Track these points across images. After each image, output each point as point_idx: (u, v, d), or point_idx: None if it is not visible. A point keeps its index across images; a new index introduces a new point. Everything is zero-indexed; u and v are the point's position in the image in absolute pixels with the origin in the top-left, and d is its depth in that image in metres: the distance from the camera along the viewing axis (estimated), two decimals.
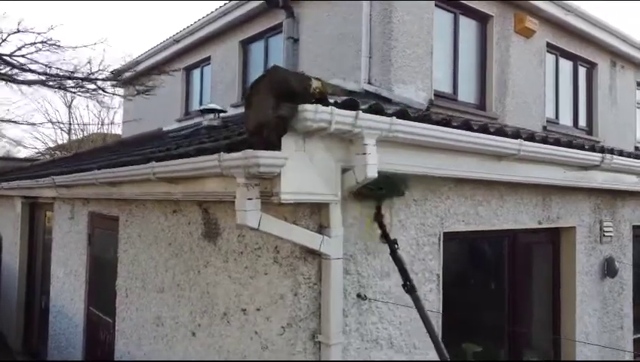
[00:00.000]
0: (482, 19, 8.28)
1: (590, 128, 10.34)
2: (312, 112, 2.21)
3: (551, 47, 9.45)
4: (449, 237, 3.46)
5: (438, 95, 7.21)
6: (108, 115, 25.97)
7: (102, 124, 25.15)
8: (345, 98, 2.46)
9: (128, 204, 4.71)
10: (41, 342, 7.55)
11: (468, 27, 8.22)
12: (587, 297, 4.68)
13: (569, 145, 3.82)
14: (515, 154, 3.30)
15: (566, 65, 10.08)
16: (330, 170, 2.50)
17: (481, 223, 3.68)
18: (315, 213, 2.69)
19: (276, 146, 2.25)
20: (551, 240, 4.63)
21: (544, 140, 3.61)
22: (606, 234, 4.86)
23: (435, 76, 7.46)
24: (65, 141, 24.94)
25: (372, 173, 2.47)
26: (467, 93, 8.01)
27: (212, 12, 10.13)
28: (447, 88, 7.69)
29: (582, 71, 10.47)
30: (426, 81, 7.22)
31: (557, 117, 9.69)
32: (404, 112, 2.65)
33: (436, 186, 3.35)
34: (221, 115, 6.08)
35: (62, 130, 25.26)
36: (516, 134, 3.38)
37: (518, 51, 8.78)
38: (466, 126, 3.02)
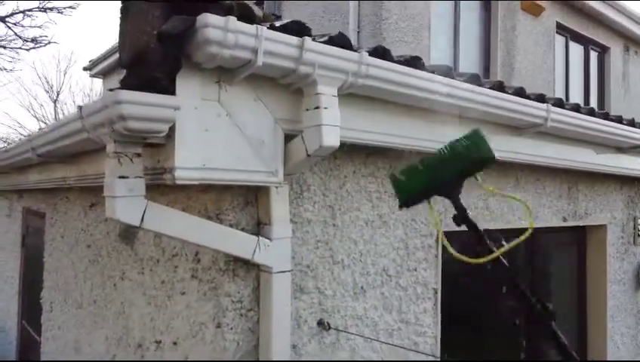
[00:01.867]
0: None
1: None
2: (219, 29, 1.31)
3: (561, 28, 8.58)
4: (449, 239, 2.55)
5: None
6: None
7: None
8: (289, 20, 1.56)
9: (54, 197, 3.81)
10: None
11: (470, 2, 7.33)
12: (619, 311, 3.78)
13: (605, 117, 2.92)
14: (540, 124, 2.41)
15: (576, 48, 9.22)
16: (265, 133, 1.59)
17: (493, 220, 2.78)
18: (250, 204, 1.79)
19: (166, 89, 1.35)
20: (575, 241, 3.73)
21: (576, 109, 2.71)
22: None
23: (434, 55, 6.58)
24: None
25: (331, 140, 1.57)
26: None
27: None
28: None
29: (593, 55, 9.61)
30: (424, 59, 6.34)
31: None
32: (382, 49, 1.75)
33: None
34: None
35: (47, 125, 24.37)
36: (541, 98, 2.48)
37: (526, 31, 7.89)
38: (475, 80, 2.13)
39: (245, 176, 1.55)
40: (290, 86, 1.62)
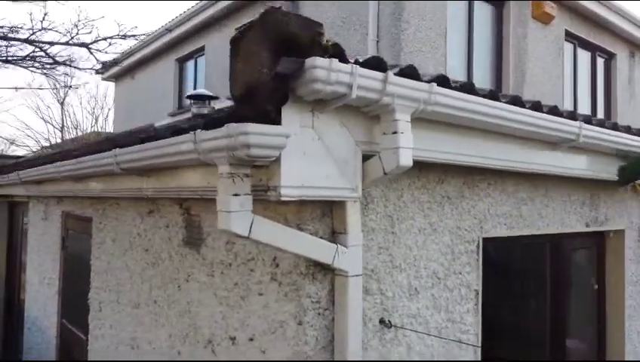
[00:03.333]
0: (498, 3, 7.62)
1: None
2: (325, 70, 1.54)
3: (569, 36, 8.82)
4: (488, 244, 2.79)
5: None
6: (102, 113, 25.19)
7: (96, 121, 24.49)
8: (368, 57, 1.79)
9: (101, 203, 4.03)
10: (19, 355, 6.86)
11: (483, 11, 7.57)
12: (637, 311, 4.01)
13: (628, 130, 3.15)
14: (573, 140, 2.64)
15: (584, 55, 9.46)
16: (348, 154, 1.82)
17: (525, 226, 3.01)
18: (326, 215, 2.01)
19: (274, 120, 1.58)
20: (595, 244, 3.96)
21: (601, 124, 2.94)
22: None
23: (449, 63, 6.81)
24: (58, 139, 24.24)
25: (406, 161, 1.80)
26: (483, 81, 7.34)
27: None
28: (461, 76, 7.03)
29: (600, 61, 9.85)
30: (440, 67, 6.56)
31: (575, 109, 9.05)
32: (444, 78, 1.98)
33: (473, 180, 2.68)
34: (214, 102, 5.40)
35: (55, 128, 24.59)
36: (572, 115, 2.71)
37: (536, 39, 8.13)
38: (517, 102, 2.36)
39: (333, 192, 1.78)
40: (368, 112, 1.85)
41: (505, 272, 3.24)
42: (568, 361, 3.59)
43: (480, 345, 2.67)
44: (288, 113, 1.64)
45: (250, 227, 1.65)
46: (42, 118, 27.01)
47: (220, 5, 8.93)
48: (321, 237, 1.97)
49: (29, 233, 6.33)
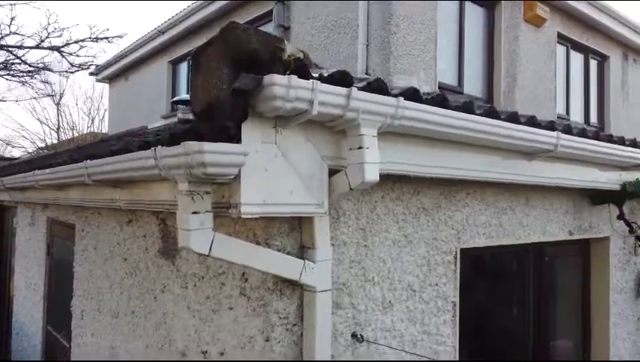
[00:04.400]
0: (489, 6, 7.60)
1: (602, 125, 9.69)
2: (283, 87, 1.52)
3: (562, 38, 8.80)
4: (466, 255, 2.77)
5: (442, 87, 6.50)
6: (98, 114, 25.11)
7: (92, 122, 24.45)
8: (333, 70, 1.76)
9: (84, 211, 4.00)
10: (8, 358, 6.83)
11: (474, 14, 7.54)
12: (621, 319, 3.99)
13: (610, 140, 3.14)
14: (550, 150, 2.62)
15: (577, 57, 9.44)
16: (313, 170, 1.80)
17: (505, 236, 2.99)
18: (294, 230, 1.99)
19: (233, 137, 1.56)
20: (580, 252, 3.94)
21: (582, 134, 2.92)
22: None
23: (440, 67, 6.78)
24: (54, 140, 24.19)
25: (371, 176, 1.78)
26: (473, 85, 7.32)
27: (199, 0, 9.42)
28: (451, 80, 7.00)
29: (593, 64, 9.83)
30: (430, 71, 6.53)
31: (567, 112, 9.04)
32: (414, 92, 1.96)
33: (451, 191, 2.66)
34: None
35: (51, 129, 24.55)
36: (551, 126, 2.69)
37: (528, 42, 8.11)
38: (492, 114, 2.33)
39: (298, 208, 1.76)
40: (334, 127, 1.83)
41: (485, 282, 3.22)
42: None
43: (457, 356, 2.64)
44: (249, 129, 1.61)
45: (211, 245, 1.62)
46: (38, 120, 26.91)
47: (213, 7, 8.89)
48: (289, 253, 1.95)
49: (17, 238, 6.31)
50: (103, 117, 23.70)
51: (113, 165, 2.08)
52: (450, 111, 2.04)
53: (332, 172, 1.88)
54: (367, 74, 6.15)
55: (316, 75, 1.71)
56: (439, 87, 6.41)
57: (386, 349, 2.28)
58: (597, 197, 3.50)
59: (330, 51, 6.73)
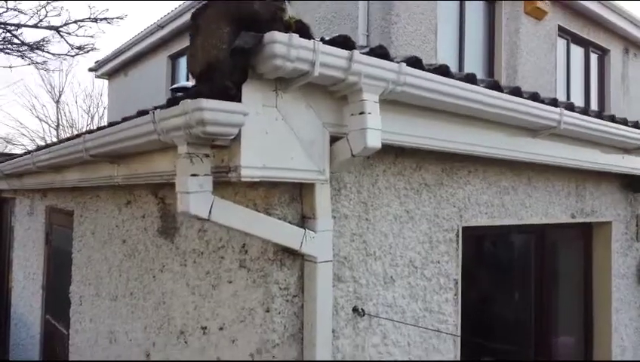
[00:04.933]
0: None
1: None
2: (284, 45, 1.49)
3: (562, 31, 8.79)
4: (469, 234, 2.74)
5: None
6: (98, 111, 25.08)
7: (92, 120, 24.42)
8: (336, 35, 1.74)
9: (82, 196, 3.97)
10: (5, 352, 6.80)
11: (475, 6, 7.52)
12: (623, 304, 3.97)
13: (612, 120, 3.11)
14: (554, 126, 2.59)
15: (577, 50, 9.42)
16: (314, 136, 1.77)
17: (507, 216, 2.96)
18: (295, 200, 1.96)
19: (233, 97, 1.53)
20: (582, 237, 3.92)
21: (584, 112, 2.90)
22: None
23: (440, 58, 6.77)
24: (54, 138, 24.16)
25: (373, 142, 1.75)
26: None
27: None
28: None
29: (594, 57, 9.82)
30: (430, 62, 6.52)
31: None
32: (416, 60, 1.93)
33: (453, 167, 2.63)
34: None
35: (50, 126, 24.52)
36: (554, 102, 2.66)
37: (529, 34, 8.09)
38: (496, 86, 2.31)
39: (298, 174, 1.73)
40: (335, 93, 1.80)
41: (488, 262, 3.19)
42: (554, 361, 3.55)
43: (459, 334, 2.62)
44: (249, 91, 1.59)
45: (211, 209, 1.60)
46: (37, 117, 26.87)
47: None
48: (289, 222, 1.92)
49: (16, 229, 6.28)
50: (103, 114, 23.67)
51: (112, 135, 2.05)
52: (452, 80, 2.01)
53: (334, 139, 1.86)
54: None
55: (317, 39, 1.68)
56: None
57: (387, 324, 2.26)
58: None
59: None
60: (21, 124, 28.68)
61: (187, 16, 9.81)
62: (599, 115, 3.05)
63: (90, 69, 14.46)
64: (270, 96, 1.65)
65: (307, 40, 1.55)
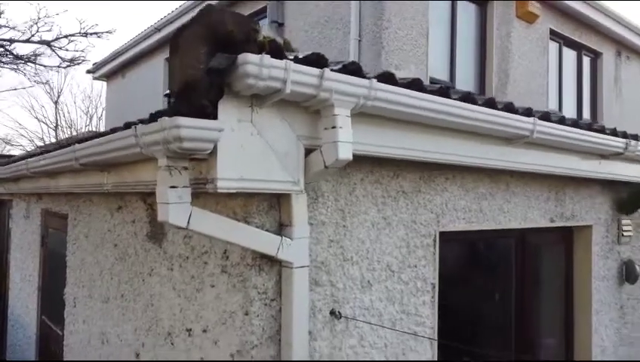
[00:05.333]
0: (482, 2, 7.68)
1: (595, 120, 9.77)
2: (256, 66, 1.59)
3: (554, 35, 8.88)
4: (446, 239, 2.84)
5: (434, 82, 6.58)
6: (97, 112, 25.18)
7: (90, 121, 24.54)
8: (308, 53, 1.84)
9: (76, 200, 4.08)
10: (2, 353, 6.90)
11: (466, 10, 7.62)
12: (603, 306, 4.07)
13: (588, 127, 3.21)
14: (527, 136, 2.69)
15: (570, 54, 9.52)
16: (289, 149, 1.87)
17: (485, 221, 3.06)
18: (273, 208, 2.07)
19: (210, 115, 1.63)
20: (563, 240, 4.02)
21: (561, 121, 3.00)
22: (625, 233, 4.26)
23: (431, 62, 6.86)
24: (53, 139, 24.25)
25: (345, 154, 1.85)
26: (465, 80, 7.40)
27: None
28: (443, 75, 7.08)
29: (586, 60, 9.91)
30: (421, 66, 6.61)
31: (560, 108, 9.12)
32: (389, 75, 2.03)
33: (430, 175, 2.73)
34: None
35: (49, 127, 24.62)
36: (528, 112, 2.76)
37: (520, 38, 8.19)
38: (469, 99, 2.41)
39: (273, 185, 1.83)
40: (309, 108, 1.90)
41: (466, 266, 3.30)
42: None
43: (436, 337, 2.72)
44: (225, 108, 1.69)
45: (189, 218, 1.70)
46: (36, 118, 26.98)
47: (207, 4, 8.96)
48: (267, 230, 2.02)
49: (13, 231, 6.38)
50: (101, 115, 23.77)
51: (99, 147, 2.15)
52: (423, 94, 2.11)
53: (309, 151, 1.96)
54: None
55: (291, 57, 1.78)
56: (431, 82, 6.48)
57: (364, 327, 2.36)
58: None
59: (324, 46, 6.81)
60: (20, 124, 28.79)
61: (184, 20, 9.90)
62: (576, 123, 3.15)
63: (88, 71, 14.56)
64: (246, 112, 1.75)
65: (279, 60, 1.65)
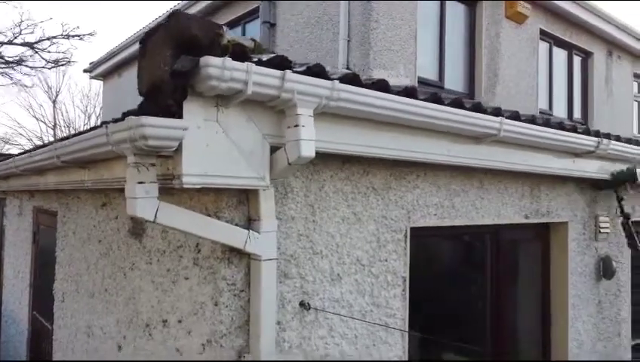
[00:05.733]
0: (470, 3, 7.77)
1: (585, 120, 9.85)
2: (217, 68, 1.69)
3: (544, 35, 8.96)
4: (417, 234, 2.93)
5: (422, 82, 6.66)
6: (95, 111, 25.28)
7: (89, 119, 24.62)
8: (272, 55, 1.93)
9: (65, 197, 4.17)
10: None
11: (455, 11, 7.71)
12: (580, 301, 4.17)
13: (560, 127, 3.30)
14: (494, 134, 2.79)
15: (560, 54, 9.60)
16: (254, 146, 1.97)
17: (458, 217, 3.16)
18: (242, 203, 2.16)
19: (175, 114, 1.72)
20: (539, 236, 4.12)
21: (531, 121, 3.09)
22: (602, 230, 4.35)
23: (420, 62, 6.94)
24: (51, 138, 24.33)
25: (307, 152, 1.94)
26: (454, 80, 7.48)
27: None
28: (432, 75, 7.16)
29: (577, 60, 9.99)
30: (410, 66, 6.70)
31: (550, 108, 9.20)
32: (353, 76, 2.13)
33: (402, 172, 2.82)
34: None
35: (48, 126, 24.70)
36: (497, 112, 2.86)
37: (510, 38, 8.27)
38: (434, 99, 2.50)
39: (238, 180, 1.93)
40: (275, 107, 1.99)
41: (439, 261, 3.39)
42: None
43: (407, 329, 2.81)
44: (191, 107, 1.78)
45: (156, 212, 1.79)
46: (34, 117, 27.07)
47: (199, 6, 9.04)
48: (237, 224, 2.12)
49: (6, 228, 6.47)
50: (100, 114, 23.86)
51: (76, 145, 2.25)
52: (386, 94, 2.21)
53: (274, 149, 2.05)
54: (347, 68, 6.32)
55: (255, 59, 1.88)
56: (419, 82, 6.57)
57: (334, 318, 2.45)
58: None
59: (314, 46, 6.90)
60: (18, 123, 28.87)
61: None
62: (547, 122, 3.25)
63: (85, 70, 14.65)
64: (211, 112, 1.85)
65: (240, 62, 1.75)
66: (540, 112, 8.62)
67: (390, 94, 2.26)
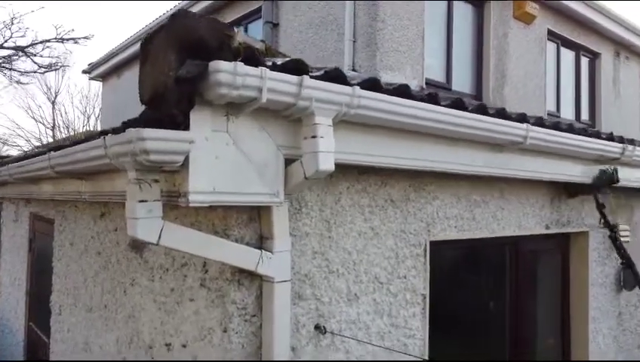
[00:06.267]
0: (478, 3, 7.59)
1: (593, 122, 9.68)
2: (229, 74, 1.50)
3: (552, 35, 8.79)
4: (437, 248, 2.75)
5: (429, 83, 6.48)
6: (94, 112, 25.07)
7: (88, 121, 24.45)
8: (287, 59, 1.75)
9: (62, 205, 3.99)
10: None
11: (463, 11, 7.53)
12: (601, 313, 3.99)
13: (585, 133, 3.12)
14: (520, 142, 2.60)
15: (568, 54, 9.43)
16: (268, 159, 1.78)
17: (478, 229, 2.98)
18: (253, 220, 1.98)
19: (180, 124, 1.54)
20: (559, 247, 3.93)
21: (556, 127, 2.91)
22: (622, 238, 4.17)
23: (427, 63, 6.76)
24: (50, 139, 24.15)
25: (326, 165, 1.76)
26: (462, 82, 7.31)
27: None
28: (440, 76, 6.98)
29: (584, 61, 9.82)
30: (417, 67, 6.52)
31: (558, 109, 9.03)
32: (374, 82, 1.94)
33: (421, 183, 2.64)
34: None
35: (46, 127, 24.52)
36: (522, 118, 2.68)
37: (518, 38, 8.10)
38: (459, 105, 2.32)
39: (250, 198, 1.75)
40: (290, 116, 1.81)
41: (459, 276, 3.21)
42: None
43: (427, 349, 2.63)
44: (198, 117, 1.60)
45: (160, 233, 1.61)
46: (33, 118, 26.88)
47: (201, 5, 8.86)
48: (247, 243, 1.94)
49: (3, 234, 6.29)
50: (99, 115, 23.67)
51: (72, 156, 2.07)
52: (410, 101, 2.02)
53: (289, 161, 1.87)
54: (353, 70, 6.13)
55: (269, 63, 1.69)
56: (427, 84, 6.40)
57: (351, 341, 2.27)
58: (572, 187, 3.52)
59: (318, 47, 6.72)
60: (17, 125, 28.68)
61: None
62: (571, 128, 3.07)
63: (84, 71, 14.47)
64: (221, 121, 1.67)
65: (254, 67, 1.56)
66: (548, 114, 8.45)
67: (413, 100, 2.07)
